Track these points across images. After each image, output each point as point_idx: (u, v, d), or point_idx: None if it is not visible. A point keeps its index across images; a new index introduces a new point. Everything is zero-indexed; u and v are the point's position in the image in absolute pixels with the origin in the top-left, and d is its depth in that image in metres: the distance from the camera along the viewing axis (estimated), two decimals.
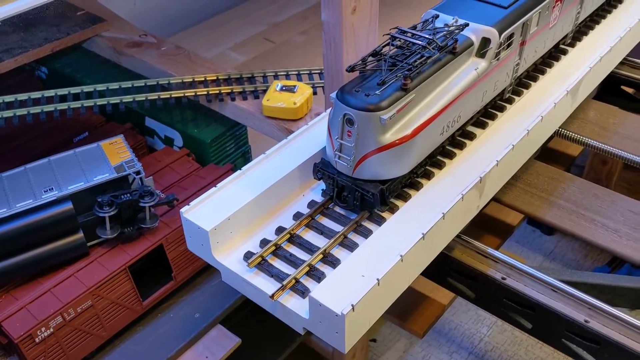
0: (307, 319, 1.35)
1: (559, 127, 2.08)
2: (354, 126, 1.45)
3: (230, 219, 1.50)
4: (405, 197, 1.58)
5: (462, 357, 3.59)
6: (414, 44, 1.52)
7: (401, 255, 1.37)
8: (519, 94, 1.91)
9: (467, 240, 1.74)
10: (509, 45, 1.73)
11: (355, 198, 1.55)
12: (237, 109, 2.42)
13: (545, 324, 1.62)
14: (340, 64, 1.87)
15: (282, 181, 1.63)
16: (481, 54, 1.66)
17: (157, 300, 2.20)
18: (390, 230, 1.46)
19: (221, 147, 2.59)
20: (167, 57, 2.71)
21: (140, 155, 2.65)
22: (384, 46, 1.56)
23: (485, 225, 2.11)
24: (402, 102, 1.45)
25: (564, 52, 2.11)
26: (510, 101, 1.88)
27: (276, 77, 2.55)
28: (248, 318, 2.39)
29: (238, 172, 1.61)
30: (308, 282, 1.42)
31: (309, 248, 1.51)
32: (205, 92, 2.45)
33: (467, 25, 1.65)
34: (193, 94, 2.51)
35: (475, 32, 1.66)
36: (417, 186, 1.61)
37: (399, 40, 1.56)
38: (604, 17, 2.30)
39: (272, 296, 1.38)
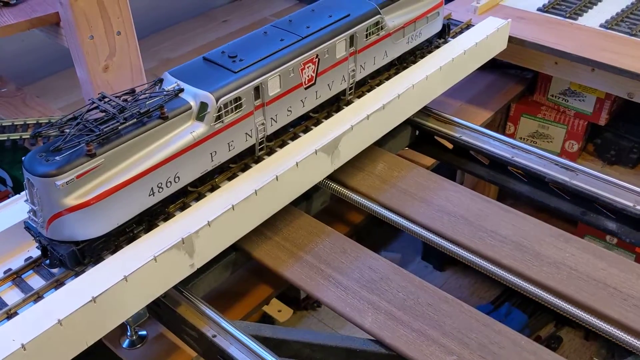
0: None
1: (328, 180, 2.13)
2: (35, 190, 1.50)
3: None
4: (103, 258, 1.63)
5: None
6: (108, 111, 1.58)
7: (59, 320, 1.42)
8: (271, 153, 1.97)
9: (187, 296, 1.78)
10: (237, 108, 1.78)
11: (55, 257, 1.60)
12: None
13: None
14: None
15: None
16: (200, 117, 1.72)
17: None
18: (67, 292, 1.51)
19: None
20: (2, 99, 2.78)
21: None
22: (89, 110, 1.61)
23: (260, 275, 2.16)
24: (84, 168, 1.50)
25: (339, 110, 2.17)
26: (258, 161, 1.94)
27: None
28: None
29: None
30: None
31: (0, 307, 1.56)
32: (18, 137, 2.52)
33: (181, 90, 1.71)
34: (18, 137, 2.58)
35: (195, 96, 1.72)
36: (120, 247, 1.65)
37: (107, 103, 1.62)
38: (398, 72, 2.37)
39: None
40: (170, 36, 4.14)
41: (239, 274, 2.16)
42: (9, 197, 2.60)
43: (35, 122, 2.63)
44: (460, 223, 2.04)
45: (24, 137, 2.58)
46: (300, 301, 3.92)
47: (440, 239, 1.97)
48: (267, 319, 2.94)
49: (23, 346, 1.36)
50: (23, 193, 1.81)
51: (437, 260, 4.40)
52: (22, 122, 2.64)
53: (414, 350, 1.65)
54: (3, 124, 2.63)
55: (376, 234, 3.85)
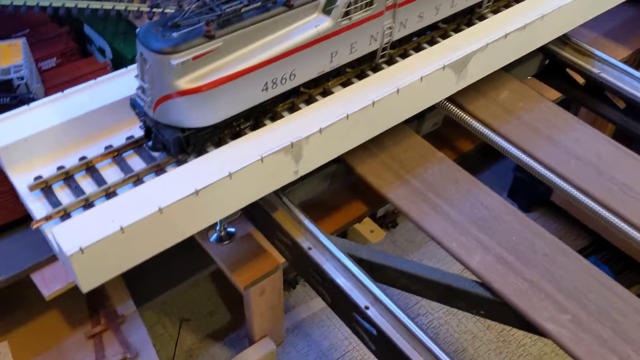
0: (59, 252, 1.36)
1: (447, 102, 1.94)
2: (147, 66, 1.39)
3: (28, 140, 1.50)
4: (207, 150, 1.53)
5: None
6: None
7: (160, 208, 1.34)
8: (391, 62, 1.78)
9: (286, 202, 1.68)
10: (367, 5, 1.59)
11: (158, 141, 1.51)
12: None
13: (339, 301, 1.57)
14: None
15: (104, 110, 1.60)
16: (327, 10, 1.54)
17: None
18: (169, 180, 1.42)
19: None
20: None
21: (71, 60, 2.67)
22: None
23: (355, 191, 2.04)
24: (201, 49, 1.37)
25: (470, 24, 1.93)
26: (376, 69, 1.75)
27: None
28: None
29: (59, 94, 1.60)
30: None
31: (100, 183, 1.50)
32: (136, 8, 2.41)
33: None
34: (123, 7, 2.48)
35: None
36: (224, 141, 1.55)
37: None
38: None
39: (33, 223, 1.39)
40: None
41: (333, 187, 2.05)
42: (107, 69, 2.56)
43: None
44: (589, 170, 1.82)
45: (129, 8, 2.47)
46: (376, 219, 3.83)
47: (567, 184, 1.76)
48: (349, 236, 2.85)
49: (122, 229, 1.30)
50: (129, 68, 1.72)
51: (524, 199, 4.16)
52: None
53: (524, 301, 1.50)
54: None
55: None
